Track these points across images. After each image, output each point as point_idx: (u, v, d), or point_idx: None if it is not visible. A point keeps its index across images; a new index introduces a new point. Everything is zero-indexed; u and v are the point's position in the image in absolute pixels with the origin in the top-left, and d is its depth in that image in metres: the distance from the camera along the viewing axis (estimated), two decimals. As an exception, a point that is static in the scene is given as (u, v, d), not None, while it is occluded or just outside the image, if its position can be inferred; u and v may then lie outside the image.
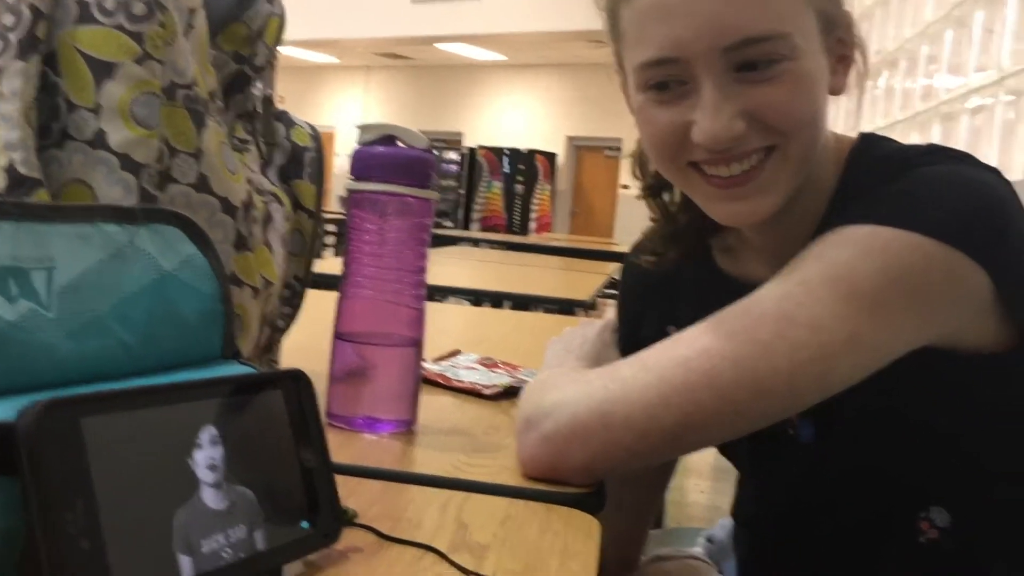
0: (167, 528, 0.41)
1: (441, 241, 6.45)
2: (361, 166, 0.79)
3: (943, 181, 0.72)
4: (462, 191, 14.13)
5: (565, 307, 2.65)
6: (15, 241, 0.42)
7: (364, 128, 0.80)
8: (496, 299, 3.09)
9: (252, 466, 0.46)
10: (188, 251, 0.52)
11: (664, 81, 0.75)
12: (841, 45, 0.78)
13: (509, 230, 13.44)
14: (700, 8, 0.71)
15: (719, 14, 0.70)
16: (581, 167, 14.36)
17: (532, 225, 13.78)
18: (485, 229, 13.27)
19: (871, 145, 0.82)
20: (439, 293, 3.16)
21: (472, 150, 14.15)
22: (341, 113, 15.38)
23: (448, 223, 13.38)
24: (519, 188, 13.82)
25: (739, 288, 0.76)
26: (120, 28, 0.69)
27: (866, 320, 0.68)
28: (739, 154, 0.74)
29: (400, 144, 0.80)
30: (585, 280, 3.21)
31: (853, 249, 0.70)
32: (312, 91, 15.88)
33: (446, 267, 3.45)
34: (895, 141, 0.82)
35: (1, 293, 0.41)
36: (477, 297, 3.23)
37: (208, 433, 0.44)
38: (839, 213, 0.75)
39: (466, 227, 13.59)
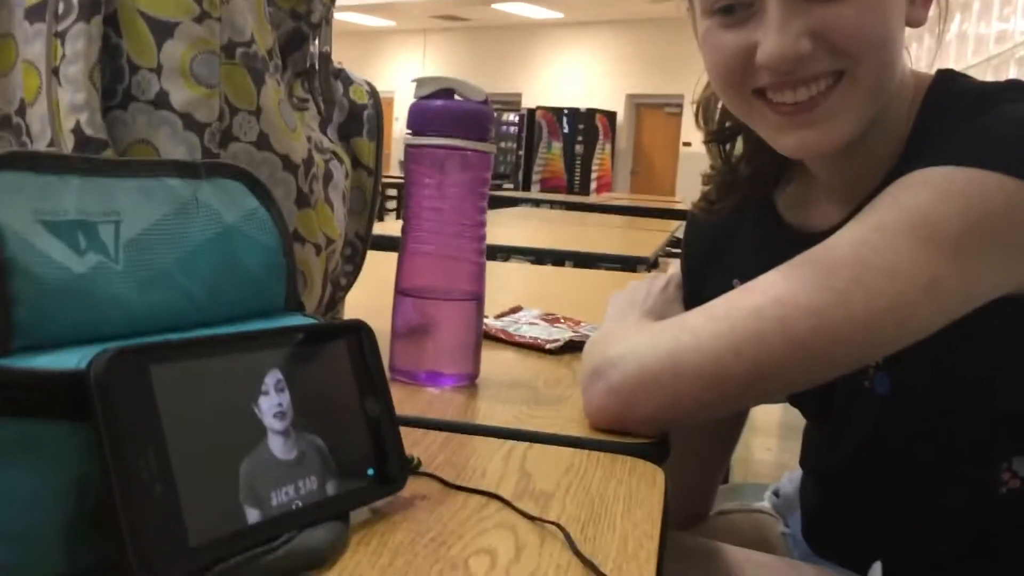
0: (236, 474, 0.41)
1: (501, 203, 6.45)
2: (418, 120, 0.78)
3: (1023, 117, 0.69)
4: (521, 152, 14.08)
5: (627, 264, 2.64)
6: (81, 195, 0.43)
7: (420, 82, 0.79)
8: (557, 258, 3.09)
9: (319, 415, 0.47)
10: (251, 205, 0.53)
11: (730, 4, 0.73)
12: None
13: (570, 191, 13.37)
14: None
15: None
16: (641, 125, 14.19)
17: (593, 185, 13.69)
18: (545, 190, 13.22)
19: (949, 82, 0.79)
20: (501, 253, 3.17)
21: (531, 111, 14.07)
22: (400, 78, 15.41)
23: (508, 185, 13.36)
24: (579, 148, 13.72)
25: (806, 238, 0.74)
26: (178, -13, 0.69)
27: (945, 265, 0.66)
28: (805, 77, 0.72)
29: (457, 97, 0.79)
30: (647, 238, 3.19)
31: (931, 192, 0.67)
32: (370, 56, 15.92)
33: (507, 228, 3.46)
34: (973, 78, 0.78)
35: (70, 246, 0.42)
36: (539, 256, 3.22)
37: (274, 378, 0.44)
38: (915, 154, 0.72)
39: (527, 189, 13.55)
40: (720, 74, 0.77)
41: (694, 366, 0.67)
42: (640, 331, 0.73)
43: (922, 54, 0.85)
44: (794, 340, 0.66)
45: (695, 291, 0.93)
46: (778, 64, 0.71)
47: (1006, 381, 0.76)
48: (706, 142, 0.89)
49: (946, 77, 0.79)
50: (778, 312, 0.66)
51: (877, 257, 0.66)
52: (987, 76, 2.81)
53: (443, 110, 0.78)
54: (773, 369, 0.67)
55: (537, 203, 6.76)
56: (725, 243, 0.94)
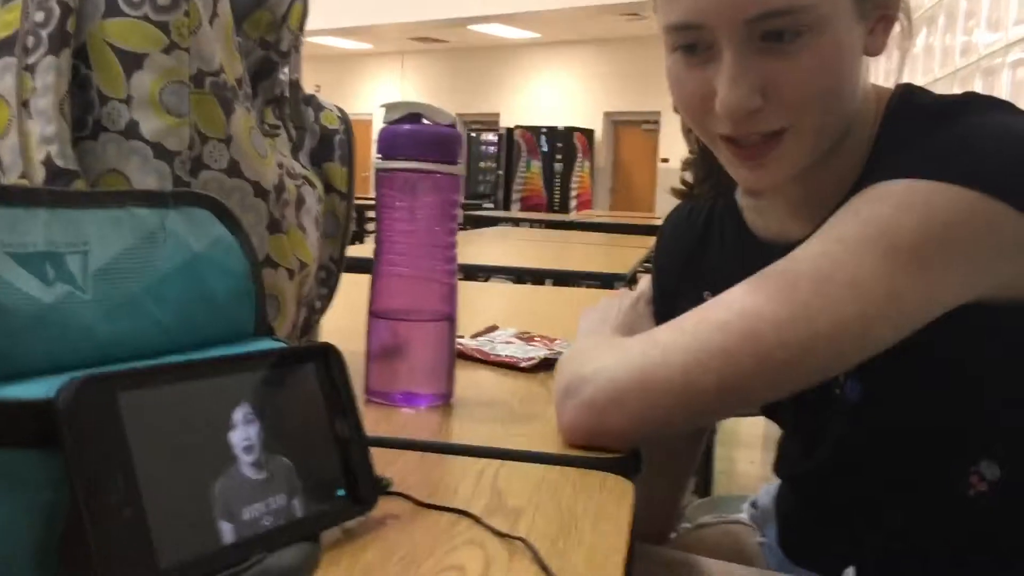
0: (207, 497, 0.42)
1: (481, 222, 6.46)
2: (388, 145, 0.80)
3: (982, 130, 0.71)
4: (501, 172, 14.13)
5: (606, 282, 2.66)
6: (49, 227, 0.44)
7: (389, 107, 0.81)
8: (537, 277, 3.11)
9: (288, 437, 0.48)
10: (218, 232, 0.53)
11: (693, 43, 0.75)
12: (880, 7, 0.77)
13: (550, 209, 13.42)
14: None
15: None
16: (619, 143, 14.27)
17: (572, 203, 13.74)
18: (526, 209, 13.26)
19: (909, 96, 0.81)
20: (481, 273, 3.18)
21: (510, 130, 14.13)
22: (378, 99, 15.36)
23: (488, 204, 13.39)
24: (558, 167, 13.78)
25: (773, 250, 0.76)
26: (146, 19, 0.71)
27: (907, 276, 0.67)
28: (754, 132, 0.74)
29: (425, 121, 0.80)
30: (626, 254, 3.21)
31: (891, 204, 0.69)
32: (348, 79, 15.96)
33: (487, 248, 3.47)
34: (932, 92, 0.80)
35: (38, 276, 0.42)
36: (519, 275, 3.24)
37: (242, 411, 0.45)
38: (877, 167, 0.74)
39: (507, 208, 13.59)
40: (684, 109, 0.80)
41: (663, 380, 0.68)
42: (611, 347, 0.74)
43: (892, 68, 0.88)
44: (760, 353, 0.67)
45: (666, 304, 0.94)
46: (730, 116, 0.73)
47: (972, 386, 0.78)
48: (685, 130, 0.91)
49: (906, 91, 0.81)
50: (744, 326, 0.67)
51: (839, 269, 0.68)
52: (954, 88, 2.86)
53: (411, 134, 0.79)
54: (740, 382, 0.68)
55: (517, 222, 6.78)
56: (695, 256, 0.96)
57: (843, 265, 0.68)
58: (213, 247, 0.53)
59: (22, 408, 0.38)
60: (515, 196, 14.01)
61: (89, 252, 0.45)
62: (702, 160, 0.92)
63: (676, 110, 0.89)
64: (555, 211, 13.05)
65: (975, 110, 0.74)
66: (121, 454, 0.39)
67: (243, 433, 0.45)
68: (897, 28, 0.80)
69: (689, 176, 0.94)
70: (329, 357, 0.52)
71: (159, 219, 0.50)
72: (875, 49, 0.78)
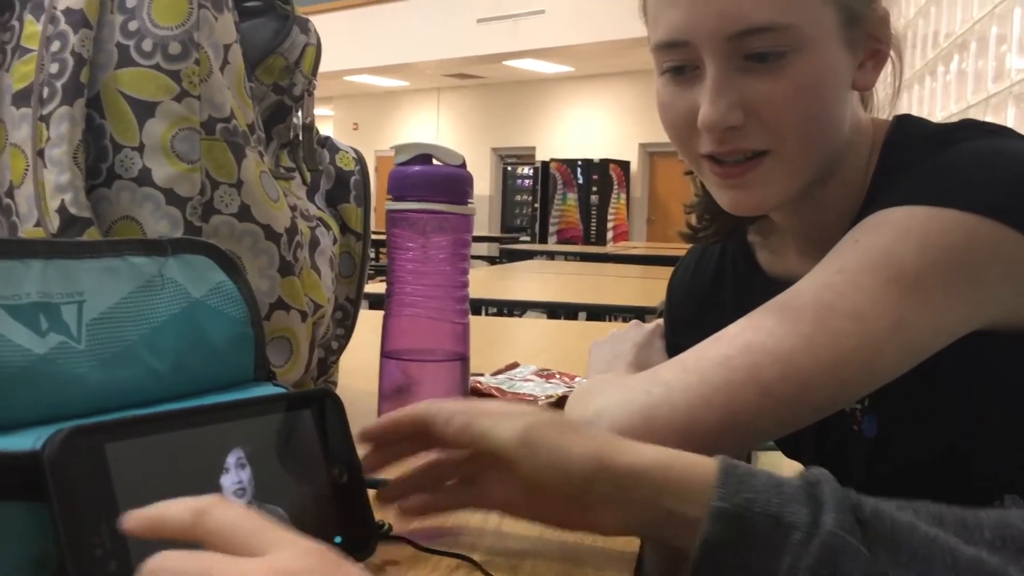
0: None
1: (517, 256, 6.48)
2: (398, 186, 0.80)
3: (980, 154, 0.70)
4: (537, 205, 14.17)
5: (640, 315, 2.64)
6: (44, 278, 0.45)
7: (399, 148, 0.81)
8: (571, 311, 3.10)
9: (281, 484, 0.48)
10: (217, 278, 0.54)
11: (680, 65, 0.75)
12: (872, 40, 0.77)
13: (587, 241, 13.41)
14: None
15: (724, 1, 0.70)
16: (655, 173, 14.26)
17: (609, 235, 13.73)
18: (562, 242, 13.26)
19: (905, 126, 0.80)
20: (517, 308, 3.18)
21: (545, 164, 14.18)
22: (415, 136, 15.60)
23: (525, 237, 13.43)
24: (594, 199, 13.79)
25: (782, 287, 0.75)
26: (157, 68, 0.72)
27: (910, 304, 0.66)
28: (735, 149, 0.74)
29: (436, 162, 0.81)
30: (662, 287, 3.18)
31: (891, 232, 0.68)
32: (386, 116, 16.15)
33: (521, 282, 3.47)
34: (929, 121, 0.80)
35: (31, 328, 0.43)
36: (552, 310, 3.23)
37: (235, 456, 0.45)
38: (877, 197, 0.73)
39: (543, 241, 13.61)
40: (669, 130, 0.79)
41: (666, 420, 0.67)
42: (615, 386, 0.73)
43: (924, 95, 0.87)
44: (764, 387, 0.66)
45: (678, 344, 0.93)
46: (710, 131, 0.73)
47: (990, 418, 0.76)
48: (687, 172, 0.91)
49: (903, 122, 0.81)
50: (747, 360, 0.66)
51: (841, 300, 0.66)
52: (988, 115, 2.82)
53: (422, 175, 0.80)
54: (745, 417, 0.67)
55: (552, 255, 6.79)
56: (708, 295, 0.95)
57: (845, 295, 0.67)
58: (212, 294, 0.53)
59: (9, 460, 0.38)
60: (551, 229, 14.03)
61: (84, 302, 0.46)
62: (707, 203, 0.91)
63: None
64: (592, 243, 13.04)
65: (969, 135, 0.73)
66: (108, 506, 0.39)
67: (234, 477, 0.45)
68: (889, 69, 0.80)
69: (694, 219, 0.94)
70: (326, 403, 0.52)
71: (157, 267, 0.51)
72: (864, 84, 0.77)
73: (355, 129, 16.23)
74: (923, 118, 0.81)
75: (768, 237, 0.90)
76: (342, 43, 11.99)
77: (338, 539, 0.50)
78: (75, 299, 0.46)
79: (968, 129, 0.74)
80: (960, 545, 0.48)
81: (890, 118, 0.82)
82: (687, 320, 0.96)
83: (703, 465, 0.50)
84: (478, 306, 2.95)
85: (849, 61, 0.75)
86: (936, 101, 3.22)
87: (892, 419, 0.79)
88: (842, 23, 0.73)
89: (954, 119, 0.83)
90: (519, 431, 0.52)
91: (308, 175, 0.91)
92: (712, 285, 0.95)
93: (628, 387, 0.71)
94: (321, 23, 0.92)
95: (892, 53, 0.78)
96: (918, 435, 0.79)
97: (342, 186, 0.97)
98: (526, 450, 0.51)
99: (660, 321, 0.97)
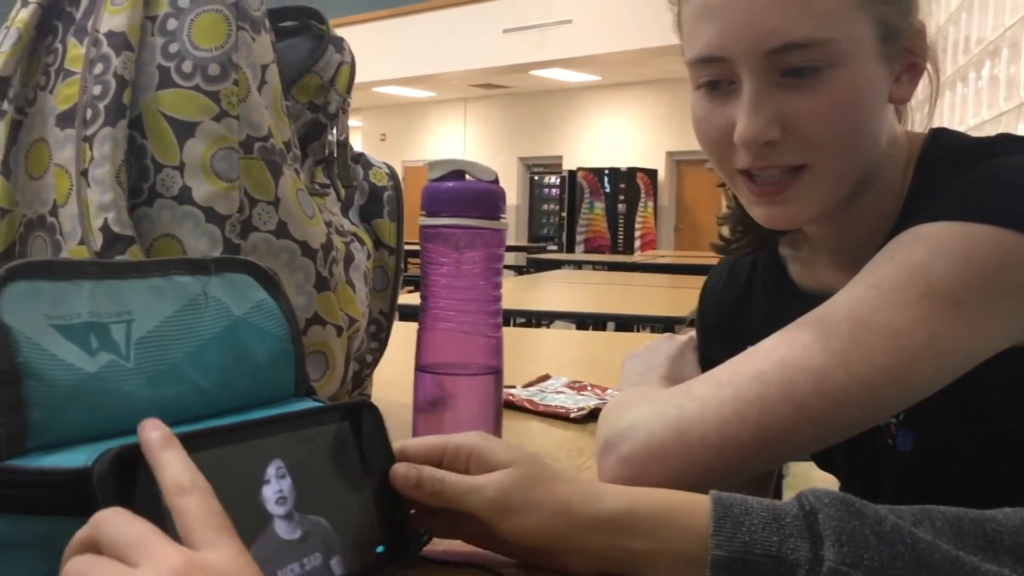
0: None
1: (544, 265, 6.48)
2: (431, 201, 0.81)
3: (1017, 169, 0.70)
4: (564, 214, 14.17)
5: (669, 325, 2.63)
6: (94, 298, 0.46)
7: (433, 165, 0.82)
8: (599, 321, 3.10)
9: (323, 495, 0.49)
10: (259, 296, 0.55)
11: (715, 80, 0.75)
12: (908, 54, 0.77)
13: (614, 250, 13.39)
14: (743, 10, 0.71)
15: (761, 16, 0.70)
16: (683, 182, 14.23)
17: (637, 243, 13.70)
18: (589, 251, 13.25)
19: (941, 139, 0.80)
20: (545, 318, 3.18)
21: (572, 172, 14.19)
22: (443, 146, 15.66)
23: (552, 247, 13.43)
24: (621, 207, 13.77)
25: (815, 301, 0.75)
26: (197, 89, 0.74)
27: (945, 320, 0.66)
28: (772, 165, 0.74)
29: (469, 178, 0.82)
30: (690, 296, 3.18)
31: (926, 247, 0.68)
32: (413, 127, 16.23)
33: (549, 292, 3.48)
34: (965, 134, 0.79)
35: (82, 347, 0.44)
36: (581, 320, 3.23)
37: (275, 466, 0.46)
38: (911, 212, 0.73)
39: (571, 250, 13.60)
40: (705, 145, 0.80)
41: (700, 435, 0.67)
42: (649, 400, 0.73)
43: (956, 101, 0.87)
44: (798, 403, 0.66)
45: (710, 357, 0.94)
46: (747, 146, 0.73)
47: None
48: (719, 184, 0.91)
49: (938, 135, 0.81)
50: (781, 375, 0.67)
51: (875, 315, 0.66)
52: (1019, 122, 2.79)
53: (455, 191, 0.81)
54: (779, 433, 0.67)
55: (579, 264, 6.78)
56: (739, 308, 0.95)
57: (879, 311, 0.67)
58: (254, 311, 0.54)
59: (60, 477, 0.40)
60: (579, 238, 14.03)
61: (133, 321, 0.47)
62: (740, 215, 0.92)
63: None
64: (619, 252, 13.02)
65: (1007, 149, 0.73)
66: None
67: (275, 487, 0.46)
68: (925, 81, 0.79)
69: (727, 231, 0.94)
70: (363, 414, 0.53)
71: (200, 286, 0.52)
72: (901, 97, 0.77)
73: (383, 140, 16.32)
74: (958, 131, 0.81)
75: (800, 249, 0.90)
76: (369, 55, 12.07)
77: (380, 548, 0.51)
78: (124, 318, 0.47)
79: (1005, 143, 0.74)
80: (981, 564, 0.49)
81: (926, 130, 0.82)
82: (718, 330, 0.97)
83: (696, 505, 0.53)
84: (507, 317, 2.96)
85: (886, 75, 0.75)
86: (968, 107, 3.19)
87: (927, 434, 0.79)
88: (879, 37, 0.73)
89: (986, 126, 0.83)
90: (490, 499, 0.53)
91: (343, 191, 0.92)
92: (743, 296, 0.95)
93: (661, 401, 0.72)
94: (348, 36, 0.94)
95: (928, 66, 0.78)
96: (952, 450, 0.78)
97: (375, 201, 0.98)
98: (499, 516, 0.54)
99: (693, 333, 0.98)
